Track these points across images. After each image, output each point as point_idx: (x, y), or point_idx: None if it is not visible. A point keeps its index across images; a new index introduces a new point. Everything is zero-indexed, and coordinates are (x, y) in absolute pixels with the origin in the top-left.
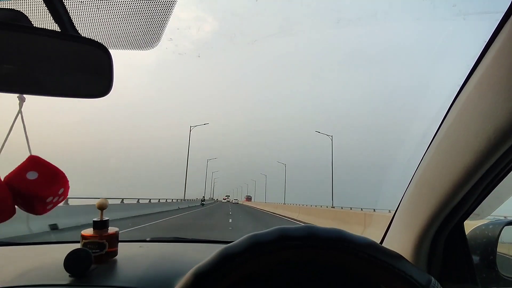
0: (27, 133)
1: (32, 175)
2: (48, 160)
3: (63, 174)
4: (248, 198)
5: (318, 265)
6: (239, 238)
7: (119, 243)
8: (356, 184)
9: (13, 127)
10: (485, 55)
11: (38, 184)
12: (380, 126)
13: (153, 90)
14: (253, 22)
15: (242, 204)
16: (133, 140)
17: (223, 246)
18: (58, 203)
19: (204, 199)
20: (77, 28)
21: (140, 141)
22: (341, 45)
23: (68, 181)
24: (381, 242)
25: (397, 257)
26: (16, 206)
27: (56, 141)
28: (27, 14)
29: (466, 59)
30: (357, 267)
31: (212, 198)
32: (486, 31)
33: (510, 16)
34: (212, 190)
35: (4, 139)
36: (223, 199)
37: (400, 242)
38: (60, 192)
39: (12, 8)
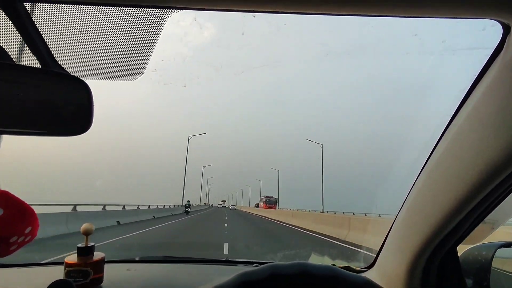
0: None
1: None
2: (19, 198)
3: (33, 211)
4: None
5: None
6: (230, 257)
7: (106, 265)
8: (350, 192)
9: None
10: (474, 90)
11: (3, 222)
12: (373, 153)
13: (142, 115)
14: (240, 54)
15: (242, 211)
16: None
17: (214, 266)
18: (24, 244)
19: (190, 205)
20: (59, 62)
21: (136, 153)
22: (331, 75)
23: (37, 219)
24: (373, 263)
25: None
26: None
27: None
28: (5, 48)
29: (455, 93)
30: None
31: (207, 203)
32: (476, 66)
33: (499, 52)
34: (207, 195)
35: None
36: (219, 204)
37: (393, 264)
38: (27, 231)
39: None
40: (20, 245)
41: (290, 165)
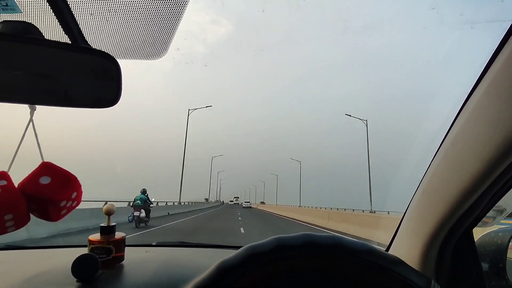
0: (39, 140)
1: (45, 180)
2: (59, 166)
3: (76, 178)
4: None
5: (318, 273)
6: (239, 242)
7: (126, 248)
8: (365, 187)
9: (25, 135)
10: (493, 63)
11: (51, 188)
12: (388, 132)
13: (162, 96)
14: (260, 31)
15: (260, 210)
16: (139, 143)
17: (228, 251)
18: (72, 208)
19: (147, 202)
20: (87, 39)
21: (146, 144)
22: (348, 52)
23: (80, 185)
24: (388, 247)
25: (396, 261)
26: (30, 214)
27: (65, 145)
28: (38, 26)
29: (473, 67)
30: (357, 273)
31: (218, 200)
32: (494, 39)
33: None
34: (218, 192)
35: (17, 147)
36: (230, 201)
37: (407, 248)
38: (73, 197)
39: (24, 20)
40: (69, 210)
41: (309, 161)
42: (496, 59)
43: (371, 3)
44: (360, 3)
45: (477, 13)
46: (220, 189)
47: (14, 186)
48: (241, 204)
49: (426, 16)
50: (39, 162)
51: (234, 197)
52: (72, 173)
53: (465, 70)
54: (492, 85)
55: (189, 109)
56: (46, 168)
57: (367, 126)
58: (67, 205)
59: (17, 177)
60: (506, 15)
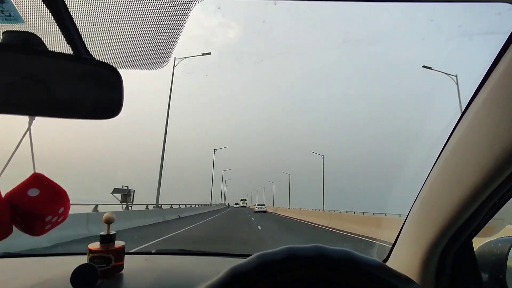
0: (33, 151)
1: (33, 192)
2: (56, 173)
3: (65, 192)
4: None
5: (327, 285)
6: (247, 251)
7: (125, 256)
8: (363, 192)
9: (20, 145)
10: (491, 74)
11: (38, 201)
12: (388, 141)
13: (162, 104)
14: (260, 42)
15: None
16: (140, 146)
17: (230, 259)
18: (57, 224)
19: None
20: (89, 50)
21: (152, 149)
22: (348, 62)
23: (69, 200)
24: (388, 256)
25: (406, 280)
26: (13, 226)
27: (65, 149)
28: (40, 37)
29: (472, 78)
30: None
31: (223, 203)
32: (492, 51)
33: None
34: (223, 194)
35: (10, 156)
36: (235, 204)
37: (407, 257)
38: (60, 212)
39: (27, 30)
40: (53, 225)
41: (301, 169)
42: (494, 70)
43: (370, 15)
44: (359, 14)
45: (475, 25)
46: (226, 190)
47: (0, 196)
48: (248, 207)
49: (424, 28)
50: (31, 172)
51: (241, 200)
52: (75, 173)
53: (464, 81)
54: (490, 95)
55: (214, 149)
56: (36, 179)
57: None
58: (52, 220)
59: (6, 188)
60: (503, 27)
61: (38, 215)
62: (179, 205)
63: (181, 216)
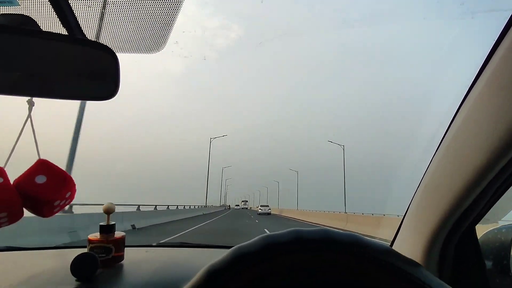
0: (36, 137)
1: (40, 179)
2: (56, 164)
3: (71, 178)
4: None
5: (332, 271)
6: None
7: (126, 248)
8: (365, 189)
9: (23, 131)
10: (494, 54)
11: (46, 188)
12: (387, 129)
13: (159, 93)
14: (258, 24)
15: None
16: (140, 144)
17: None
18: (65, 206)
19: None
20: (84, 32)
21: (149, 146)
22: (347, 44)
23: (75, 185)
24: (391, 245)
25: (415, 265)
26: (24, 209)
27: (65, 143)
28: (35, 19)
29: (474, 58)
30: (373, 273)
31: (224, 205)
32: (495, 30)
33: None
34: (225, 196)
35: (14, 143)
36: (236, 206)
37: (410, 246)
38: (67, 196)
39: (21, 13)
40: (61, 208)
41: (311, 165)
42: (497, 50)
43: None
44: None
45: (478, 2)
46: (226, 190)
47: (10, 184)
48: (248, 208)
49: (426, 6)
50: (36, 159)
51: (242, 201)
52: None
53: (466, 62)
54: (492, 77)
55: (210, 138)
56: (42, 166)
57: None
58: (61, 204)
59: (15, 173)
60: (506, 4)
61: (47, 201)
62: (155, 206)
63: (136, 227)
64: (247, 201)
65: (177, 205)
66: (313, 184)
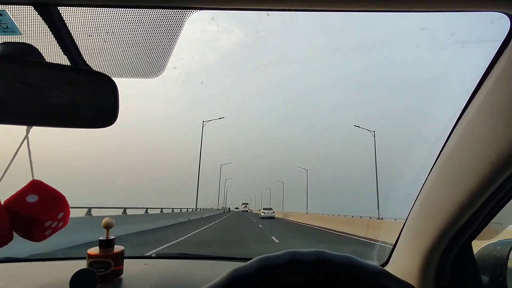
0: (31, 159)
1: (32, 198)
2: (54, 178)
3: (64, 198)
4: None
5: None
6: (246, 255)
7: (124, 260)
8: (355, 195)
9: (18, 153)
10: (484, 82)
11: (37, 207)
12: (384, 147)
13: (160, 112)
14: (254, 51)
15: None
16: (139, 151)
17: (229, 263)
18: (58, 229)
19: None
20: (86, 60)
21: (150, 155)
22: (341, 71)
23: (68, 205)
24: (387, 261)
25: (408, 286)
26: (14, 232)
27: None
28: (37, 48)
29: (465, 86)
30: None
31: (224, 207)
32: (485, 59)
33: (508, 44)
34: (225, 198)
35: (8, 163)
36: (235, 208)
37: (407, 261)
38: (59, 217)
39: (24, 42)
40: (54, 230)
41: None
42: (488, 77)
43: (363, 24)
44: (351, 24)
45: (468, 33)
46: (226, 191)
47: (0, 203)
48: (249, 211)
49: (417, 36)
50: (29, 179)
51: (243, 203)
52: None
53: (457, 89)
54: (483, 104)
55: (203, 121)
56: (35, 186)
57: (374, 137)
58: (52, 225)
59: (5, 195)
60: (495, 35)
61: (37, 221)
62: (125, 209)
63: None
64: (247, 204)
65: (162, 208)
66: (322, 185)
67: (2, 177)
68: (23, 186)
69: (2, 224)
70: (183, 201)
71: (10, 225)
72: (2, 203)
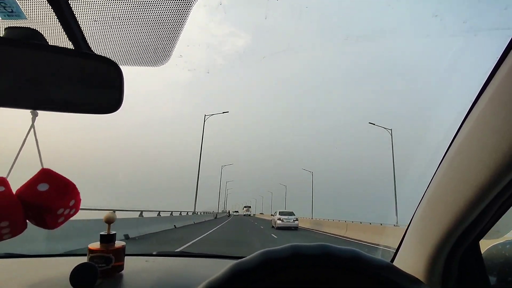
0: (39, 147)
1: (43, 187)
2: (59, 172)
3: (74, 185)
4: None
5: (331, 285)
6: (249, 253)
7: (125, 257)
8: (367, 199)
9: (26, 141)
10: (497, 72)
11: (48, 195)
12: (396, 146)
13: (164, 102)
14: (262, 39)
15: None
16: (142, 149)
17: (231, 261)
18: (70, 216)
19: None
20: (90, 46)
21: (151, 151)
22: (350, 60)
23: (79, 193)
24: (393, 259)
25: (416, 281)
26: (27, 221)
27: (66, 150)
28: (42, 32)
29: (477, 75)
30: None
31: (224, 211)
32: (498, 48)
33: None
34: (225, 201)
35: (17, 153)
36: (235, 211)
37: (413, 260)
38: (71, 204)
39: (28, 26)
40: (66, 218)
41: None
42: (501, 67)
43: (372, 11)
44: (361, 10)
45: (481, 20)
46: (227, 194)
47: (12, 192)
48: (251, 215)
49: (428, 24)
50: (39, 168)
51: (244, 207)
52: (73, 180)
53: (469, 78)
54: (497, 92)
55: (205, 115)
56: (45, 174)
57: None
58: (65, 213)
59: (17, 183)
60: (510, 22)
61: (49, 209)
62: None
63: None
64: (250, 207)
65: (159, 211)
66: (328, 189)
67: (12, 167)
68: (33, 175)
69: (16, 214)
70: (181, 204)
71: (24, 215)
72: (14, 192)
